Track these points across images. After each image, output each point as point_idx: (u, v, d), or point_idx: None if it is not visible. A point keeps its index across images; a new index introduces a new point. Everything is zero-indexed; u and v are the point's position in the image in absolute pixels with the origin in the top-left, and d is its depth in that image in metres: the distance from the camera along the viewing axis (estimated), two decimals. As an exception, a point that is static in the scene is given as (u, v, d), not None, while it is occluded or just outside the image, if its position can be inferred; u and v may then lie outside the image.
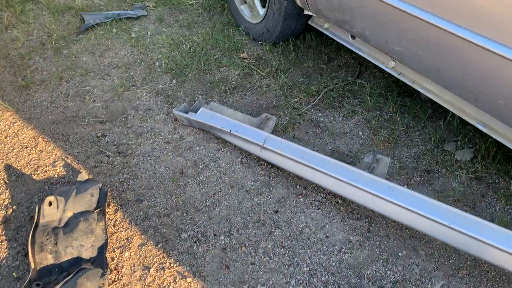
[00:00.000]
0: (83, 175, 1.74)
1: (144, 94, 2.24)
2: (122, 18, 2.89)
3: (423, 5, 1.43)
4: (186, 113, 2.00)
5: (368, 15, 1.73)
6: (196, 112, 2.00)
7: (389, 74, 2.05)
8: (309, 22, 2.30)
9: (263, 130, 1.84)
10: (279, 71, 2.36)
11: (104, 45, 2.63)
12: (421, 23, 1.46)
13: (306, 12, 2.21)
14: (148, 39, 2.68)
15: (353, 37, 2.04)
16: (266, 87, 2.27)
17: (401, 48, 1.67)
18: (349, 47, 2.05)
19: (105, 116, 2.11)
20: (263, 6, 2.50)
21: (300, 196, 1.69)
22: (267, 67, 2.40)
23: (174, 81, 2.33)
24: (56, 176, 1.80)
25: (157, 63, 2.46)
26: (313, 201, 1.67)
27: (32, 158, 1.88)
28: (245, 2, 2.63)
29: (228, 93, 2.24)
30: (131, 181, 1.77)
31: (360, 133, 1.97)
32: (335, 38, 2.14)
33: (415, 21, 1.48)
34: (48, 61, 2.50)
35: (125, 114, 2.11)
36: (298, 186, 1.73)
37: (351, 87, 2.24)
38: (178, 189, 1.74)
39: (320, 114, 2.09)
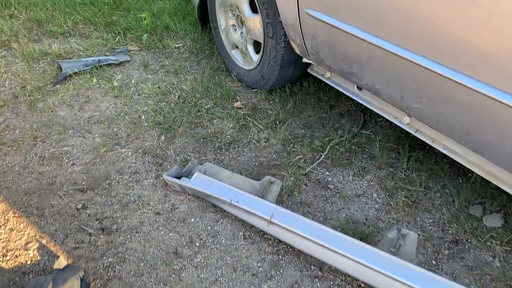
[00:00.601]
0: (61, 261, 1.49)
1: (130, 154, 2.00)
2: (103, 64, 2.66)
3: (450, 64, 1.25)
4: (179, 178, 1.77)
5: (380, 69, 1.56)
6: (189, 176, 1.77)
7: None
8: (309, 70, 2.12)
9: (267, 195, 1.63)
10: (277, 122, 2.16)
11: (84, 96, 2.40)
12: (448, 81, 1.28)
13: (305, 60, 2.03)
14: (132, 88, 2.46)
15: (359, 87, 1.86)
16: (265, 142, 2.07)
17: (421, 106, 1.49)
18: (354, 98, 1.87)
19: (86, 182, 1.86)
20: (257, 52, 2.32)
21: (316, 279, 1.46)
22: (264, 117, 2.21)
23: (162, 137, 2.10)
24: (29, 262, 1.54)
25: (143, 116, 2.24)
26: (331, 285, 1.44)
27: (0, 239, 1.62)
28: (237, 47, 2.45)
29: (223, 150, 2.03)
30: (117, 266, 1.52)
31: (375, 195, 1.77)
32: (338, 88, 1.96)
33: (440, 79, 1.30)
34: (21, 117, 2.25)
35: (109, 180, 1.87)
36: (312, 267, 1.50)
37: (358, 140, 2.05)
38: (173, 275, 1.49)
39: (327, 173, 1.89)
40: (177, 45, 2.90)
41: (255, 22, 2.14)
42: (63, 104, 2.34)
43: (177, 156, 1.99)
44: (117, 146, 2.05)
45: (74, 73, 2.56)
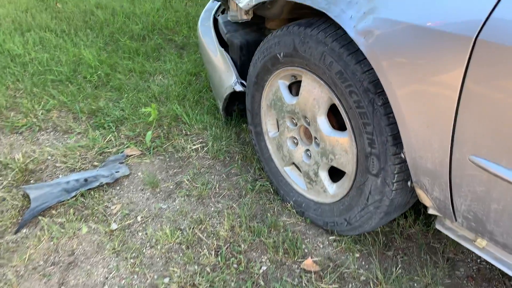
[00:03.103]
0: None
1: None
2: (92, 188, 1.81)
3: None
4: None
5: None
6: None
7: None
8: (438, 226, 1.33)
9: None
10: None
11: (67, 254, 1.53)
12: None
13: (433, 212, 1.25)
14: (139, 234, 1.61)
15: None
16: None
17: None
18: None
19: None
20: (335, 180, 1.53)
21: None
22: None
23: None
24: None
25: (165, 297, 1.38)
26: None
27: None
28: (293, 163, 1.66)
29: None
30: None
31: None
32: (497, 264, 1.18)
33: None
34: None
35: None
36: None
37: None
38: None
39: None
40: (194, 146, 2.08)
41: (340, 145, 1.37)
42: (31, 274, 1.46)
43: None
44: None
45: (49, 207, 1.70)
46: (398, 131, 1.22)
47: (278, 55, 1.49)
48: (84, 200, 1.76)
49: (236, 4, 1.70)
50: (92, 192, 1.80)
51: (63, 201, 1.74)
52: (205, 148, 2.07)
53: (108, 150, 2.07)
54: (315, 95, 1.40)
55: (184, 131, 2.20)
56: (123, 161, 2.01)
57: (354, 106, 1.26)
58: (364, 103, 1.22)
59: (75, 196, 1.76)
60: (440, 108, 1.00)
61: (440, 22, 0.95)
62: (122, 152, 2.07)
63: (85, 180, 1.85)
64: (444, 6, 0.95)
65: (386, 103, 1.20)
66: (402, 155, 1.20)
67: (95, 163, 1.99)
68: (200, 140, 2.13)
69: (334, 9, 1.21)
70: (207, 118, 2.24)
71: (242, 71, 1.92)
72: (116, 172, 1.93)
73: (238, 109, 2.22)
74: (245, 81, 1.85)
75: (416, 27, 1.00)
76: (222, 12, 2.18)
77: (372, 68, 1.21)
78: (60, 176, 1.92)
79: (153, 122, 2.17)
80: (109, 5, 3.98)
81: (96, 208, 1.72)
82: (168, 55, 3.00)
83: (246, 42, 1.86)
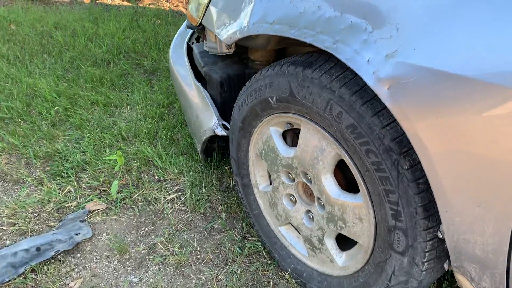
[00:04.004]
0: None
1: None
2: (46, 260, 1.48)
3: None
4: None
5: None
6: None
7: None
8: None
9: None
10: None
11: None
12: None
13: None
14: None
15: None
16: None
17: None
18: None
19: None
20: (343, 248, 1.25)
21: None
22: None
23: None
24: None
25: None
26: None
27: None
28: (290, 223, 1.38)
29: None
30: None
31: None
32: None
33: None
34: None
35: None
36: None
37: None
38: None
39: None
40: (169, 197, 1.78)
41: (352, 210, 1.11)
42: None
43: None
44: None
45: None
46: (430, 201, 0.96)
47: (269, 99, 1.22)
48: (35, 277, 1.42)
49: (216, 35, 1.42)
50: (45, 266, 1.46)
51: (8, 282, 1.40)
52: (182, 198, 1.77)
53: (67, 205, 1.74)
54: (318, 149, 1.13)
55: (156, 177, 1.89)
56: (85, 218, 1.69)
57: (372, 169, 0.99)
58: (386, 165, 0.96)
59: (24, 272, 1.43)
60: (499, 183, 0.74)
61: (500, 74, 0.70)
62: (83, 207, 1.74)
63: (38, 249, 1.52)
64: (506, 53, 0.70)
65: (414, 166, 0.94)
66: (440, 235, 0.94)
67: (51, 223, 1.66)
68: (176, 188, 1.83)
69: (344, 49, 0.94)
70: (183, 160, 1.94)
71: (223, 110, 1.64)
72: (76, 234, 1.60)
73: (218, 148, 1.93)
74: (228, 122, 1.57)
75: (464, 78, 0.74)
76: (197, 40, 1.89)
77: (395, 121, 0.95)
78: (7, 243, 1.58)
79: (120, 170, 1.85)
80: (69, 25, 3.63)
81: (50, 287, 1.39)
82: (136, 83, 2.69)
83: (227, 77, 1.59)
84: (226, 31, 1.30)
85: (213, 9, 1.42)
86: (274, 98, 1.20)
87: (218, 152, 1.96)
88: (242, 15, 1.23)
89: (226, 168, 1.91)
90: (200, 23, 1.51)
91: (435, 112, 0.81)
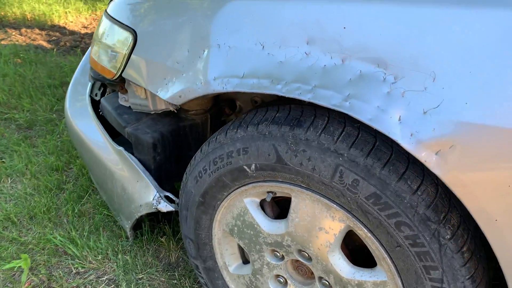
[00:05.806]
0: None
1: None
2: None
3: None
4: None
5: None
6: None
7: None
8: None
9: None
10: None
11: None
12: None
13: None
14: None
15: None
16: None
17: None
18: None
19: None
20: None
21: None
22: None
23: None
24: None
25: None
26: None
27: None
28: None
29: None
30: None
31: None
32: None
33: None
34: None
35: None
36: None
37: None
38: None
39: None
40: None
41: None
42: None
43: None
44: None
45: None
46: (475, 270, 0.82)
47: (245, 167, 0.96)
48: None
49: (146, 90, 1.11)
50: None
51: None
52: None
53: None
54: (321, 224, 0.91)
55: (74, 269, 1.46)
56: None
57: (406, 244, 0.81)
58: (425, 239, 0.79)
59: None
60: None
61: None
62: None
63: None
64: None
65: (455, 232, 0.79)
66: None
67: None
68: (105, 278, 1.43)
69: (362, 107, 0.75)
70: (104, 241, 1.55)
71: (158, 176, 1.33)
72: None
73: (146, 215, 1.58)
74: (172, 193, 1.26)
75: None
76: (104, 92, 1.53)
77: (423, 181, 0.79)
78: None
79: (26, 277, 1.38)
80: None
81: None
82: (11, 145, 2.14)
83: (160, 137, 1.28)
84: (171, 89, 1.01)
85: (139, 60, 1.11)
86: (253, 166, 0.95)
87: (145, 219, 1.61)
88: (194, 67, 0.96)
89: (163, 239, 1.57)
90: (119, 76, 1.18)
91: (508, 179, 0.66)
